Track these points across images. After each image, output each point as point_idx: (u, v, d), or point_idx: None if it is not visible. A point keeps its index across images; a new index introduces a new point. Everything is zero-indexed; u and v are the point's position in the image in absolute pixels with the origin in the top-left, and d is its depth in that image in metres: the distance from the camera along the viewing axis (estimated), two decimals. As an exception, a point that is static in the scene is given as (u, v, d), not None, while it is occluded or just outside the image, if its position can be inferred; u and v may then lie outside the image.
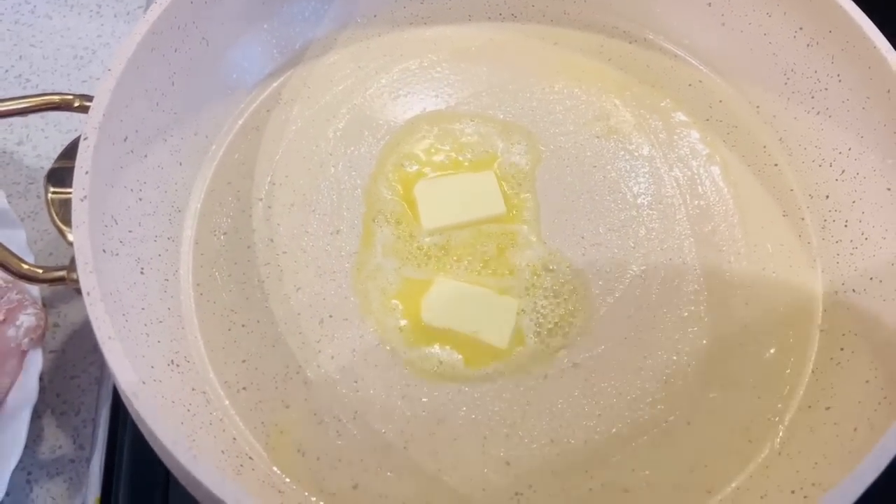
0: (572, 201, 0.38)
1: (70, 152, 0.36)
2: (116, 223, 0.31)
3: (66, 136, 0.48)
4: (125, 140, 0.33)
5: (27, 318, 0.36)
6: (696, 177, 0.39)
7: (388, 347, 0.34)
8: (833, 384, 0.33)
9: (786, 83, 0.40)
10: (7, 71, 0.51)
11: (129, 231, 0.32)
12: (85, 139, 0.29)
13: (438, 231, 0.37)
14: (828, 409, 0.32)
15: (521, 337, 0.34)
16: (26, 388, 0.35)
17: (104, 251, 0.30)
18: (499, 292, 0.35)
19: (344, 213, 0.37)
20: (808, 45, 0.38)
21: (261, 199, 0.37)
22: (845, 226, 0.37)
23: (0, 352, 0.35)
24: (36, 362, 0.36)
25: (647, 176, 0.39)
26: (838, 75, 0.37)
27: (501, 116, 0.41)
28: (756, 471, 0.31)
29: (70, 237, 0.31)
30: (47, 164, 0.42)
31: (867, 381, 0.31)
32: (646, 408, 0.33)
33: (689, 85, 0.43)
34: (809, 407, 0.33)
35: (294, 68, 0.42)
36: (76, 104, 0.35)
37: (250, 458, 0.31)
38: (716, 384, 0.33)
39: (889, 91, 0.34)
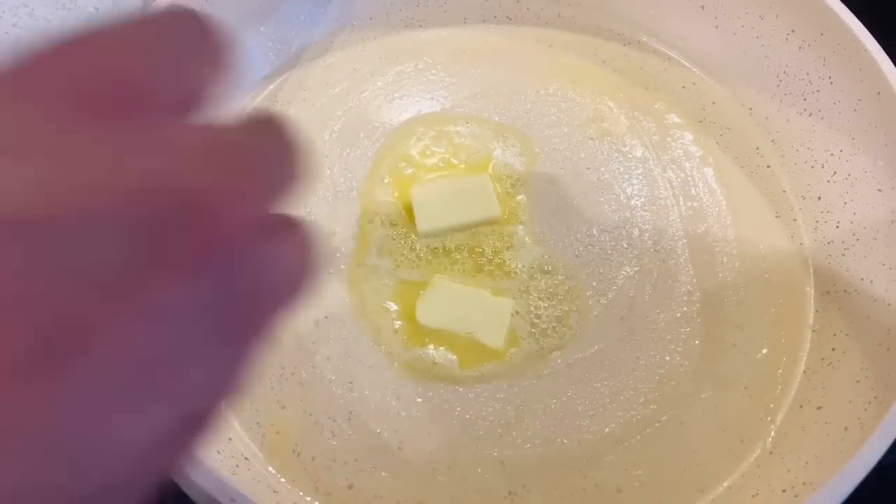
0: (566, 203, 0.38)
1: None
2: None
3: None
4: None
5: None
6: (689, 178, 0.40)
7: (383, 348, 0.34)
8: (824, 384, 0.33)
9: (778, 85, 0.40)
10: (5, 74, 0.51)
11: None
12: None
13: (433, 234, 0.37)
14: (819, 408, 0.32)
15: (515, 338, 0.34)
16: None
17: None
18: (494, 293, 0.35)
19: (339, 214, 0.37)
20: (799, 48, 0.39)
21: (257, 201, 0.38)
22: (837, 227, 0.37)
23: None
24: None
25: (640, 177, 0.39)
26: (830, 77, 0.38)
27: (496, 118, 0.41)
28: (748, 470, 0.32)
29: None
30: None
31: (858, 381, 0.31)
32: (639, 408, 0.33)
33: (683, 87, 0.43)
34: (801, 406, 0.33)
35: (290, 71, 0.42)
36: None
37: (246, 458, 0.31)
38: (708, 384, 0.34)
39: (879, 93, 0.35)
